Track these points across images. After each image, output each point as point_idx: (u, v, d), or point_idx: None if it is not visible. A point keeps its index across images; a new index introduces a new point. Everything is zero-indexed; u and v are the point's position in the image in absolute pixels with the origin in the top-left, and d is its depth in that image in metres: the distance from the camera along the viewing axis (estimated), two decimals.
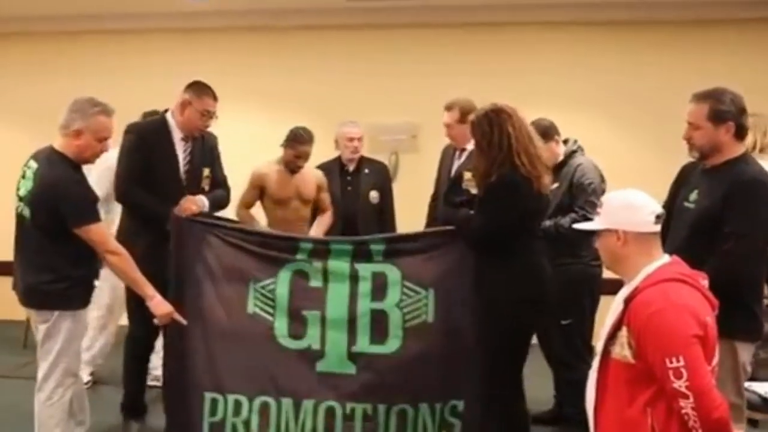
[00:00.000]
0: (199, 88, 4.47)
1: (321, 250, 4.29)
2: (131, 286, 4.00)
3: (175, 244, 4.21)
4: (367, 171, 6.20)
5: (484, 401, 4.02)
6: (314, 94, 7.85)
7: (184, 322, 4.08)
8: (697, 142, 3.59)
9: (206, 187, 4.61)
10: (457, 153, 5.48)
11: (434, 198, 5.73)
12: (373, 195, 6.19)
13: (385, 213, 6.14)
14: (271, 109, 7.98)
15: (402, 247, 4.29)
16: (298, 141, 5.43)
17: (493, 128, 3.88)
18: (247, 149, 6.92)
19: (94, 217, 3.82)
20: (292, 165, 5.52)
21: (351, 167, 6.20)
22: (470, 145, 4.87)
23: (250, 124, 7.91)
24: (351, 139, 6.06)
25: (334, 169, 6.21)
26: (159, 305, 3.97)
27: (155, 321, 3.99)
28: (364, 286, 4.25)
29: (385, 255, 4.25)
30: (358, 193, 6.13)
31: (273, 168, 5.62)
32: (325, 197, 5.74)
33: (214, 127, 4.89)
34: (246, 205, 5.71)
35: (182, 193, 4.47)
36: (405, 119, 7.85)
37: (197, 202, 4.38)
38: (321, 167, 6.09)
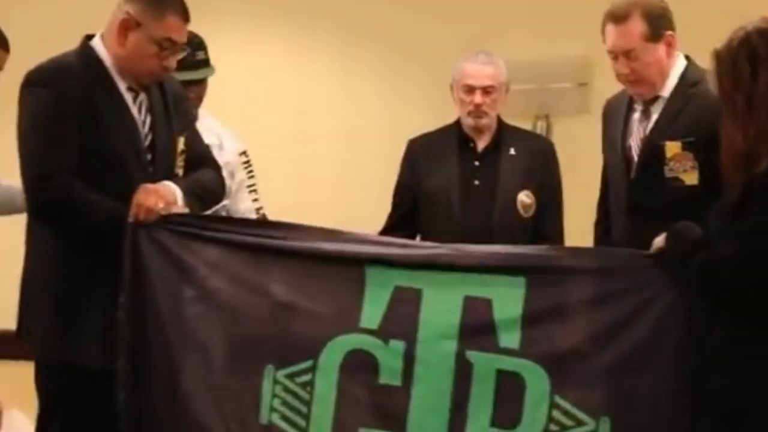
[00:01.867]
0: None
1: (405, 298, 3.09)
2: None
3: (129, 279, 3.19)
4: (513, 152, 4.22)
5: None
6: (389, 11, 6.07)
7: None
8: None
9: (180, 170, 3.50)
10: (638, 109, 3.69)
11: (601, 204, 3.89)
12: (524, 198, 4.25)
13: (544, 234, 4.28)
14: (310, 34, 6.22)
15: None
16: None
17: (758, 71, 2.83)
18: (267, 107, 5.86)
19: None
20: None
21: (480, 143, 4.21)
22: (667, 90, 3.51)
23: (271, 58, 6.23)
24: (471, 90, 4.06)
25: (447, 145, 4.31)
26: None
27: None
28: (480, 394, 3.06)
29: (526, 337, 3.04)
30: (493, 192, 4.23)
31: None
32: None
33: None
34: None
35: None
36: (564, 51, 5.94)
37: (164, 194, 3.27)
38: (417, 141, 4.30)
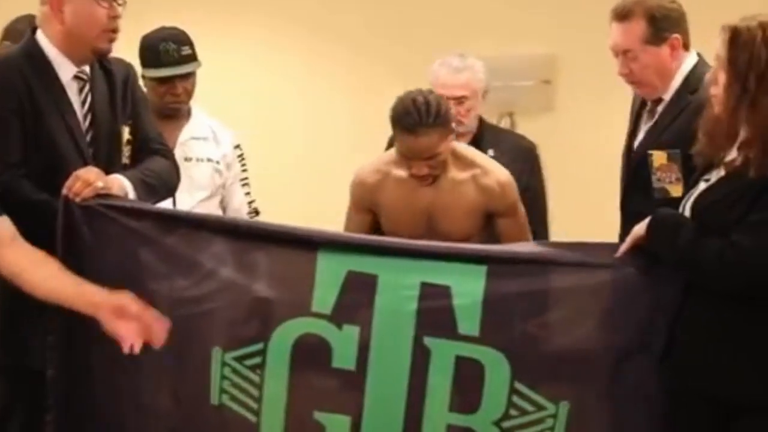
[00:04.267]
0: None
1: (360, 282, 3.02)
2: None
3: (62, 254, 2.99)
4: (492, 153, 4.02)
5: None
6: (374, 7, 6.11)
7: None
8: None
9: (126, 159, 3.39)
10: (646, 110, 3.61)
11: (624, 206, 3.77)
12: None
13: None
14: (306, 34, 6.24)
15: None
16: (405, 126, 3.40)
17: None
18: (260, 102, 5.81)
19: None
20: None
21: (463, 141, 4.01)
22: (669, 94, 3.41)
23: (264, 57, 6.26)
24: (445, 98, 3.92)
25: None
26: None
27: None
28: (438, 380, 3.02)
29: (486, 324, 2.96)
30: None
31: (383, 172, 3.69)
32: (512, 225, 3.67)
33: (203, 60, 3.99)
34: None
35: None
36: (528, 49, 6.05)
37: (99, 174, 3.12)
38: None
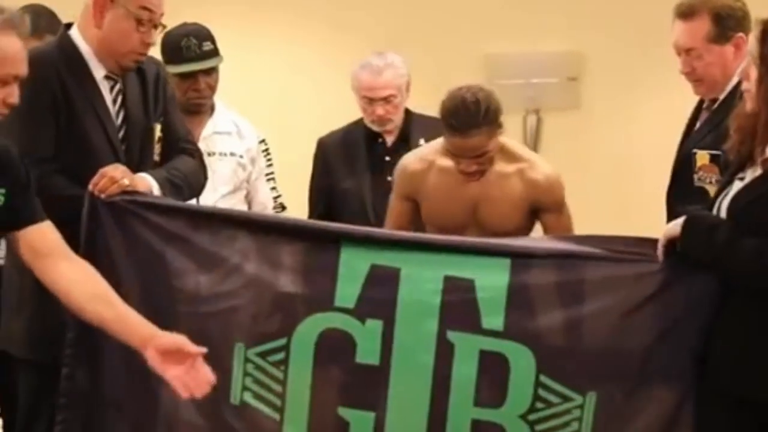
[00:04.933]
0: None
1: (383, 276, 2.98)
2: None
3: (84, 250, 2.93)
4: (422, 142, 4.04)
5: None
6: (394, 3, 6.13)
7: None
8: None
9: (157, 156, 3.36)
10: (703, 108, 3.56)
11: (669, 203, 3.70)
12: None
13: None
14: (325, 29, 6.24)
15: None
16: (454, 126, 3.34)
17: None
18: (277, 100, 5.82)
19: None
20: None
21: (389, 137, 4.10)
22: (724, 94, 3.37)
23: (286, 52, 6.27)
24: (371, 101, 4.02)
25: (356, 143, 4.19)
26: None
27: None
28: (463, 374, 2.97)
29: (510, 319, 2.92)
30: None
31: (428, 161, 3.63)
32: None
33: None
34: None
35: None
36: (554, 46, 6.05)
37: (126, 172, 3.11)
38: (326, 141, 4.23)
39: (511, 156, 3.39)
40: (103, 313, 2.62)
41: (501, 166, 3.38)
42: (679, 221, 2.73)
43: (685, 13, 3.22)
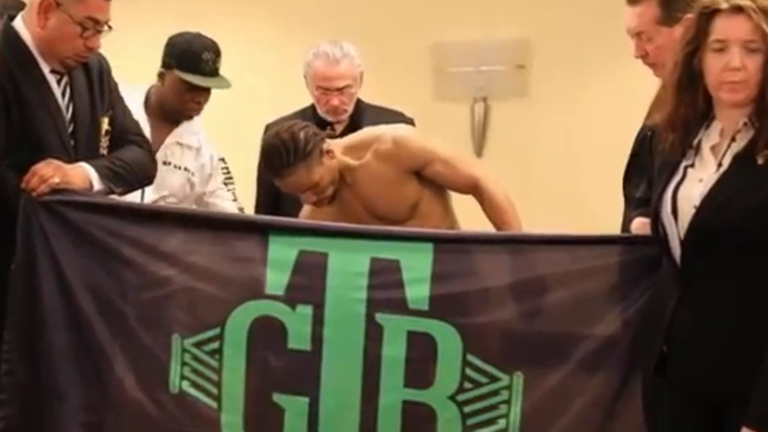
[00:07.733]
0: None
1: (311, 262, 3.02)
2: None
3: (21, 254, 3.03)
4: None
5: None
6: None
7: None
8: None
9: (104, 150, 3.32)
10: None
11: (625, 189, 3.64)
12: None
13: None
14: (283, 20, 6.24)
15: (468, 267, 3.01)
16: (271, 171, 3.40)
17: None
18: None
19: None
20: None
21: (339, 125, 4.04)
22: None
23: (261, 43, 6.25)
24: (326, 91, 3.94)
25: None
26: None
27: None
28: (392, 356, 2.99)
29: (435, 297, 2.97)
30: None
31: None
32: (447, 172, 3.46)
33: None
34: None
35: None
36: (502, 34, 6.02)
37: (71, 174, 3.08)
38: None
39: (359, 148, 3.36)
40: None
41: (360, 162, 3.36)
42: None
43: None
